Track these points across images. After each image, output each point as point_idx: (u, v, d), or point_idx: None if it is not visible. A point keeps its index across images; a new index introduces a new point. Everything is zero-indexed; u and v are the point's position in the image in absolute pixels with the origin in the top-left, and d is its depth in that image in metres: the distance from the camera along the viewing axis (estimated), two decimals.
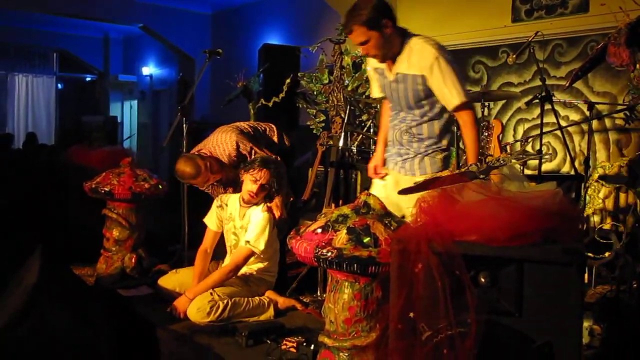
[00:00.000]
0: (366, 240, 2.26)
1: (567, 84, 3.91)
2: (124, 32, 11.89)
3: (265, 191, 3.50)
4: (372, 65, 2.97)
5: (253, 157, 3.68)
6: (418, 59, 2.67)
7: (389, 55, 2.75)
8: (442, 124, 2.81)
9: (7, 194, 5.17)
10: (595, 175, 3.45)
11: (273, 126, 4.14)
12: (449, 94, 2.66)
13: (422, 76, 2.68)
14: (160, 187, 4.16)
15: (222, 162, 3.76)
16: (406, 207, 2.59)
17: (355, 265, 2.24)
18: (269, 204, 3.52)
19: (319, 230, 2.39)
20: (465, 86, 2.74)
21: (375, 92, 3.09)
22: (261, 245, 3.40)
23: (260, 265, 3.61)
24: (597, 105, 4.31)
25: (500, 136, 3.94)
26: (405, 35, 2.74)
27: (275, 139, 4.08)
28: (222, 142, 3.75)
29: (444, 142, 2.83)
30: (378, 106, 5.70)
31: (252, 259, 3.54)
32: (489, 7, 5.42)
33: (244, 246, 3.43)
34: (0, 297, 2.92)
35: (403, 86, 2.76)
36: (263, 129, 4.08)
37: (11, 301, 2.78)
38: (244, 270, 3.57)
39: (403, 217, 2.61)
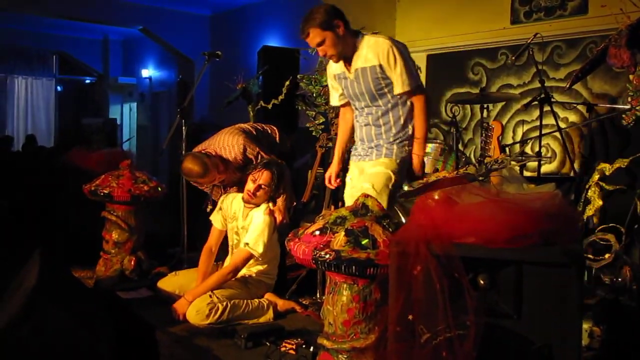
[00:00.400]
0: (364, 242, 2.26)
1: (568, 86, 3.92)
2: (123, 35, 11.89)
3: (264, 192, 3.49)
4: (331, 73, 3.22)
5: (259, 161, 3.68)
6: (374, 51, 2.93)
7: (344, 54, 3.01)
8: (407, 111, 3.03)
9: (6, 196, 5.17)
10: (595, 177, 3.44)
11: (274, 128, 4.14)
12: (401, 79, 2.91)
13: (380, 65, 2.93)
14: (159, 189, 4.16)
15: (228, 162, 3.74)
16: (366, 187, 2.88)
17: (353, 267, 2.23)
18: (271, 207, 3.51)
19: (317, 233, 2.39)
20: (417, 74, 3.02)
21: (334, 100, 3.32)
22: (260, 248, 3.39)
23: (260, 267, 3.61)
24: (596, 107, 4.31)
25: (500, 137, 3.94)
26: (358, 35, 3.02)
27: (276, 140, 4.07)
28: (228, 145, 3.73)
29: (410, 129, 3.04)
30: None
31: (251, 261, 3.54)
32: (488, 9, 5.42)
33: (243, 248, 3.42)
34: (0, 299, 2.92)
35: (364, 80, 2.99)
36: (265, 130, 4.07)
37: (11, 303, 2.78)
38: (243, 272, 3.56)
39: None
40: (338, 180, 3.32)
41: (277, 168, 3.52)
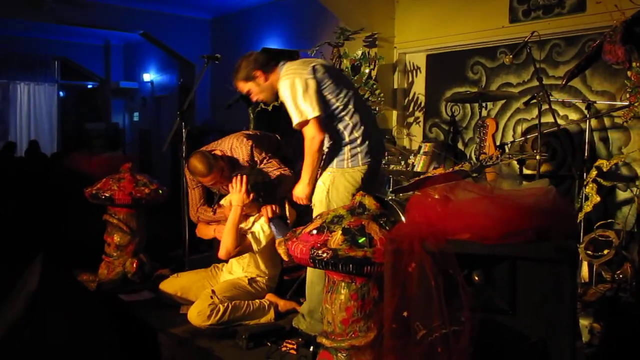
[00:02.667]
0: (361, 240, 2.27)
1: (563, 83, 3.91)
2: (124, 39, 11.92)
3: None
4: None
5: (265, 165, 3.71)
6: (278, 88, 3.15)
7: (274, 95, 3.23)
8: (330, 137, 3.13)
9: (9, 201, 5.20)
10: (593, 173, 3.45)
11: (276, 135, 4.17)
12: (291, 116, 3.02)
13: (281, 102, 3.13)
14: (160, 192, 4.18)
15: (235, 163, 3.76)
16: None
17: (350, 265, 2.25)
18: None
19: (315, 232, 2.40)
20: (306, 102, 2.98)
21: None
22: (260, 244, 3.45)
23: (262, 272, 3.63)
24: (595, 104, 4.30)
25: (495, 135, 3.94)
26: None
27: (279, 146, 4.10)
28: (238, 146, 3.76)
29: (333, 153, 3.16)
30: (377, 109, 5.72)
31: (252, 266, 3.58)
32: (486, 8, 5.42)
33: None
34: (1, 303, 2.94)
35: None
36: (268, 137, 4.09)
37: (13, 307, 2.80)
38: (246, 275, 3.59)
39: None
40: None
41: (254, 175, 3.52)
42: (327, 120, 3.07)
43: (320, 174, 3.16)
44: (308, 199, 3.14)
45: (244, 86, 3.24)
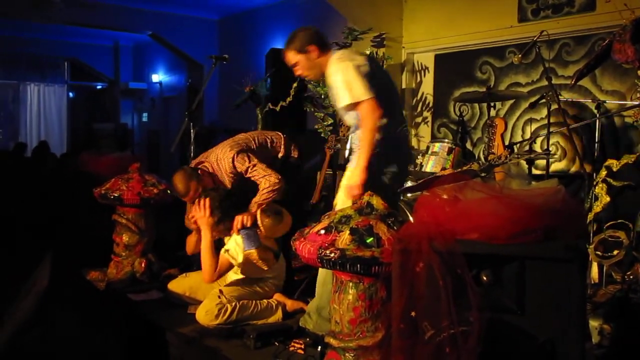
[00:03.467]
0: (369, 240, 2.26)
1: (572, 82, 3.88)
2: (133, 40, 11.98)
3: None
4: None
5: (251, 173, 3.63)
6: (327, 72, 3.11)
7: (319, 75, 3.23)
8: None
9: (19, 201, 5.24)
10: (602, 173, 3.42)
11: (281, 136, 4.06)
12: (341, 95, 2.98)
13: (330, 85, 3.10)
14: (168, 192, 4.19)
15: (216, 181, 3.73)
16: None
17: (358, 265, 2.24)
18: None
19: (322, 232, 2.40)
20: (361, 84, 2.93)
21: None
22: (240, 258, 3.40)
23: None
24: (605, 104, 4.27)
25: (504, 134, 3.92)
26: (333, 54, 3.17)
27: (282, 149, 4.01)
28: (222, 158, 3.71)
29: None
30: None
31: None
32: (495, 7, 5.40)
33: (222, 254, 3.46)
34: (12, 301, 2.97)
35: (333, 97, 3.15)
36: (270, 139, 4.01)
37: (23, 306, 2.82)
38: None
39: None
40: None
41: (220, 195, 3.50)
42: (357, 121, 3.06)
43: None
44: (361, 188, 2.86)
45: (293, 57, 3.17)
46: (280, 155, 3.99)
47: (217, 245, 3.69)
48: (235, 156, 3.64)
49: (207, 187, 3.64)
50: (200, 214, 3.43)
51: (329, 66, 3.08)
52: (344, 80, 2.96)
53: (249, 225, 3.41)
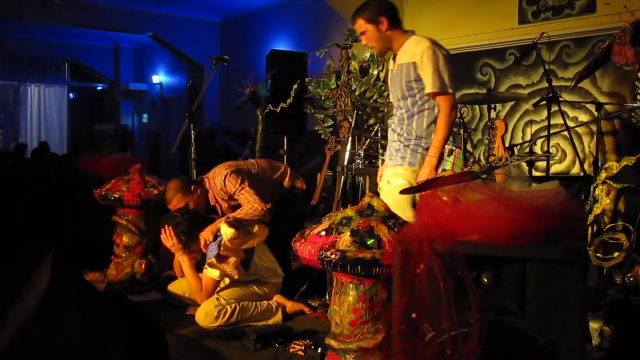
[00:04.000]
0: (370, 242, 2.27)
1: (572, 84, 3.89)
2: (134, 42, 12.00)
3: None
4: (388, 67, 3.31)
5: (238, 195, 3.63)
6: (413, 49, 2.99)
7: (385, 48, 3.11)
8: (431, 120, 3.01)
9: (20, 201, 5.24)
10: (602, 175, 3.42)
11: (289, 169, 4.09)
12: (429, 80, 2.92)
13: (414, 63, 2.97)
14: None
15: (209, 198, 3.79)
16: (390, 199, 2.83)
17: (359, 267, 2.24)
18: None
19: (323, 233, 2.40)
20: (449, 78, 2.95)
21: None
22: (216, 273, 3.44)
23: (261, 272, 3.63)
24: (605, 106, 4.27)
25: (504, 136, 3.92)
26: (408, 33, 3.10)
27: (286, 180, 4.02)
28: (217, 174, 3.73)
29: (430, 140, 3.01)
30: (385, 110, 5.71)
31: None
32: (495, 9, 5.40)
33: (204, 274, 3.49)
34: (13, 302, 2.96)
35: (399, 75, 3.05)
36: (277, 167, 4.05)
37: (23, 306, 2.82)
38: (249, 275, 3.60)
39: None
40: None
41: (182, 220, 3.52)
42: (415, 109, 3.03)
43: (395, 171, 3.04)
44: None
45: (363, 26, 3.06)
46: (285, 183, 4.01)
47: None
48: (228, 175, 3.64)
49: (198, 204, 3.71)
50: (168, 243, 3.50)
51: (418, 44, 2.97)
52: (438, 67, 2.91)
53: (210, 239, 3.46)
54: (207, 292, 3.45)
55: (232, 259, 3.41)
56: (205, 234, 3.48)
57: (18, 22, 9.52)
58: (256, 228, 3.58)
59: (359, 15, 3.07)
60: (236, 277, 3.43)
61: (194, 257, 3.59)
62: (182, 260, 3.52)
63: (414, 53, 2.96)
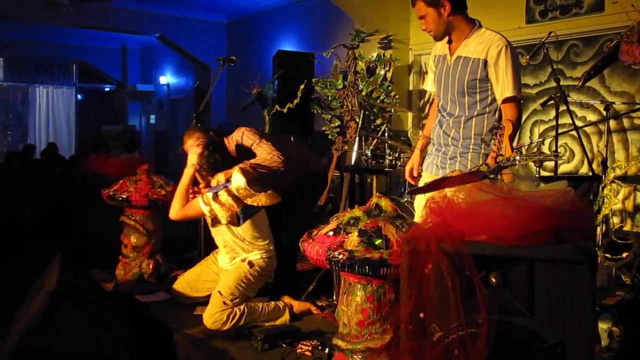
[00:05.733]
0: (377, 242, 2.26)
1: (580, 84, 3.87)
2: (141, 43, 12.04)
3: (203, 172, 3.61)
4: (434, 53, 3.01)
5: (256, 148, 3.66)
6: (485, 45, 2.73)
7: (445, 34, 2.82)
8: (491, 125, 2.75)
9: (28, 202, 5.27)
10: (611, 175, 3.41)
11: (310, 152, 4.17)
12: (506, 83, 2.68)
13: (485, 60, 2.72)
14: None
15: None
16: None
17: (366, 267, 2.24)
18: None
19: (331, 233, 2.40)
20: (520, 84, 2.76)
21: (428, 84, 3.10)
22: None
23: (252, 248, 3.58)
24: (614, 105, 4.25)
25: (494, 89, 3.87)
26: (475, 24, 2.84)
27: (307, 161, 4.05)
28: (233, 137, 3.81)
29: (489, 148, 2.70)
30: (392, 110, 5.71)
31: (240, 248, 3.57)
32: (502, 8, 5.39)
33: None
34: (21, 302, 2.98)
35: (461, 70, 2.78)
36: (297, 147, 4.13)
37: (32, 306, 2.83)
38: (241, 259, 3.57)
39: None
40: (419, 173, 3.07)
41: (211, 146, 3.61)
42: (474, 111, 2.80)
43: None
44: None
45: (423, 9, 2.77)
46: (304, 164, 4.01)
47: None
48: (246, 131, 3.74)
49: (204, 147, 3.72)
50: (196, 151, 3.60)
51: (492, 40, 2.73)
52: (517, 70, 2.71)
53: (221, 182, 3.51)
54: (184, 212, 3.55)
55: (228, 204, 3.40)
56: (219, 176, 3.52)
57: (26, 24, 9.57)
58: (268, 192, 3.52)
59: None
60: (223, 222, 3.43)
61: (198, 190, 3.65)
62: (186, 172, 3.60)
63: (486, 49, 2.71)
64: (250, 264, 3.53)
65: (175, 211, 3.58)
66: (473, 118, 2.78)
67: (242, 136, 3.73)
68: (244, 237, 3.53)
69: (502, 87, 2.69)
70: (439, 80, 2.91)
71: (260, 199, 3.45)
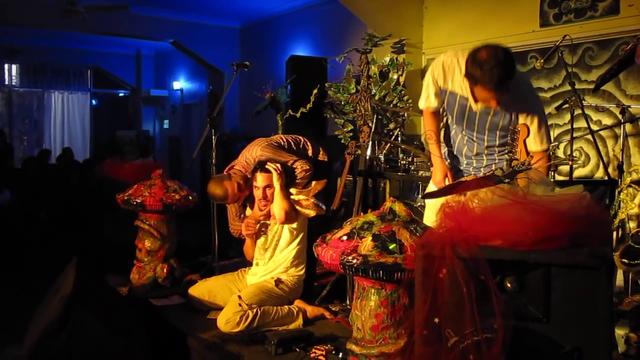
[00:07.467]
0: (392, 246, 2.26)
1: (595, 87, 3.84)
2: (155, 48, 12.13)
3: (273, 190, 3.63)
4: (450, 82, 2.93)
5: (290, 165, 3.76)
6: (517, 96, 2.75)
7: None
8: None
9: (44, 207, 5.32)
10: (627, 180, 3.37)
11: (309, 142, 4.15)
12: (543, 138, 2.85)
13: (517, 113, 2.82)
14: (190, 198, 4.23)
15: (247, 179, 3.82)
16: None
17: (381, 271, 2.24)
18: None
19: (345, 238, 2.40)
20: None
21: (433, 101, 3.06)
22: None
23: (286, 271, 3.64)
24: (630, 109, 4.21)
25: (526, 140, 3.86)
26: None
27: (309, 147, 4.08)
28: (250, 156, 3.82)
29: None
30: (405, 115, 5.70)
31: (276, 267, 3.64)
32: (516, 12, 5.37)
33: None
34: (38, 307, 3.01)
35: (496, 118, 2.86)
36: (299, 141, 4.09)
37: (48, 310, 2.86)
38: (271, 276, 3.61)
39: None
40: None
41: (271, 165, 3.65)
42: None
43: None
44: None
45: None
46: (309, 153, 4.06)
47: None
48: (264, 145, 3.78)
49: (242, 184, 3.78)
50: (276, 173, 3.63)
51: (524, 91, 2.81)
52: (546, 121, 2.86)
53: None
54: (286, 212, 3.58)
55: (302, 198, 3.64)
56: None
57: (41, 31, 9.69)
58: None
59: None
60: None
61: (262, 217, 3.72)
62: (278, 185, 3.59)
63: (518, 101, 2.78)
64: (278, 281, 3.58)
65: (287, 213, 3.58)
66: (495, 155, 2.97)
67: (259, 150, 3.79)
68: (286, 257, 3.66)
69: (535, 141, 2.84)
70: (460, 116, 2.94)
71: (315, 188, 3.70)
